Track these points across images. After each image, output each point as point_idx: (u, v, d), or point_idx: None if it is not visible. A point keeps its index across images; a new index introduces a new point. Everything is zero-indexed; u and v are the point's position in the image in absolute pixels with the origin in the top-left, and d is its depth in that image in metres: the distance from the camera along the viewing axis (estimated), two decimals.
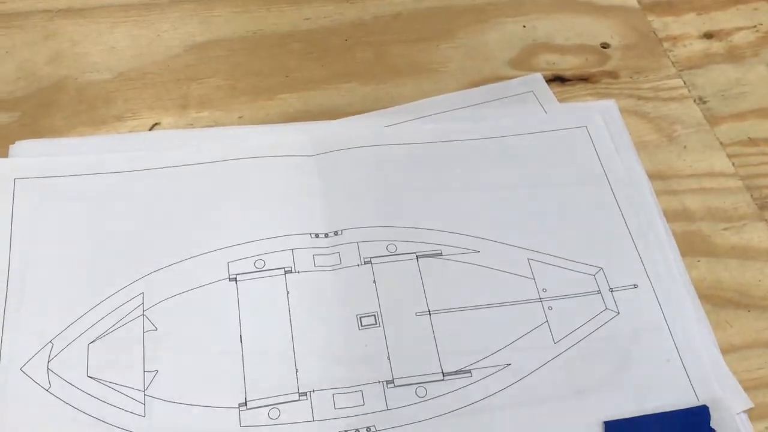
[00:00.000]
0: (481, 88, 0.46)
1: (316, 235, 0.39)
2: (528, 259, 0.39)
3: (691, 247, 0.40)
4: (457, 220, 0.40)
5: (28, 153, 0.42)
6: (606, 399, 0.35)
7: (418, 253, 0.39)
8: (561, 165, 0.43)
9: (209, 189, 0.41)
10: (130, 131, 0.44)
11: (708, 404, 0.35)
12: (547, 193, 0.41)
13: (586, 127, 0.44)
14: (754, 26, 0.50)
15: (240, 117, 0.45)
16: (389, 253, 0.39)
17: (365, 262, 0.39)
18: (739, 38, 0.50)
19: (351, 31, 0.49)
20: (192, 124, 0.45)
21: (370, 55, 0.48)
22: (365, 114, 0.45)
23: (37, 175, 0.41)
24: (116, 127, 0.44)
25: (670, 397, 0.35)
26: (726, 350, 0.37)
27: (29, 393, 0.34)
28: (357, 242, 0.39)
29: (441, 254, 0.39)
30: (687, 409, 0.34)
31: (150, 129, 0.44)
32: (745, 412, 0.35)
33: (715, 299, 0.39)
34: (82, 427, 0.34)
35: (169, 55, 0.48)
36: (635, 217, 0.40)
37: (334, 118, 0.45)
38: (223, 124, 0.45)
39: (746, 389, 0.36)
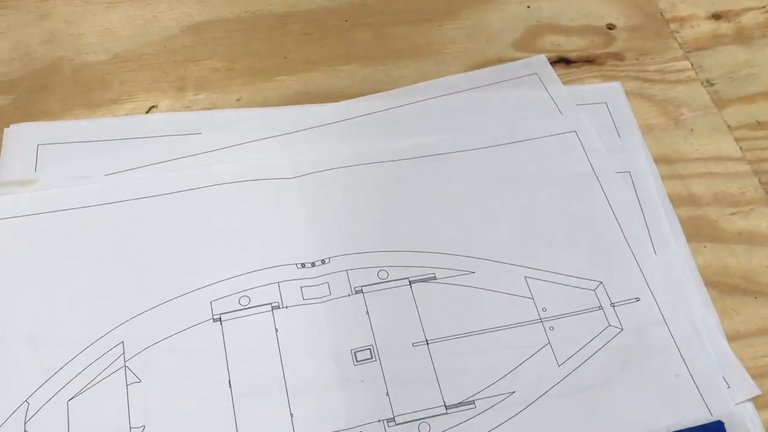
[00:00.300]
0: (484, 70, 0.45)
1: (303, 265, 0.37)
2: (525, 277, 0.37)
3: (697, 232, 0.40)
4: (449, 240, 0.38)
5: (23, 136, 0.42)
6: (617, 421, 0.34)
7: (411, 279, 0.37)
8: (552, 174, 0.41)
9: (185, 221, 0.39)
10: (127, 114, 0.43)
11: (722, 419, 0.34)
12: (540, 205, 0.40)
13: (575, 131, 0.42)
14: (763, 6, 0.49)
15: (238, 99, 0.44)
16: (381, 280, 0.37)
17: (356, 292, 0.37)
18: (747, 19, 0.49)
19: (351, 11, 0.48)
20: (189, 107, 0.44)
21: (371, 36, 0.47)
22: (365, 97, 0.44)
23: (4, 215, 0.38)
24: (112, 110, 0.44)
25: (682, 414, 0.34)
26: (732, 338, 0.36)
27: None
28: (346, 270, 0.37)
29: (435, 278, 0.37)
30: (701, 425, 0.33)
31: (147, 112, 0.44)
32: (750, 400, 0.34)
33: (722, 286, 0.38)
34: None
35: (166, 35, 0.47)
36: (633, 224, 0.39)
37: (334, 101, 0.44)
38: (221, 107, 0.44)
39: (753, 377, 0.35)
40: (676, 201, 0.40)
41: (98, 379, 0.34)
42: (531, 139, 0.42)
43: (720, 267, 0.39)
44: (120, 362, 0.35)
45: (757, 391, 0.35)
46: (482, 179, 0.41)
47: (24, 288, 0.37)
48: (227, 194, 0.40)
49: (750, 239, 0.39)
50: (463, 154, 0.42)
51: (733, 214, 0.40)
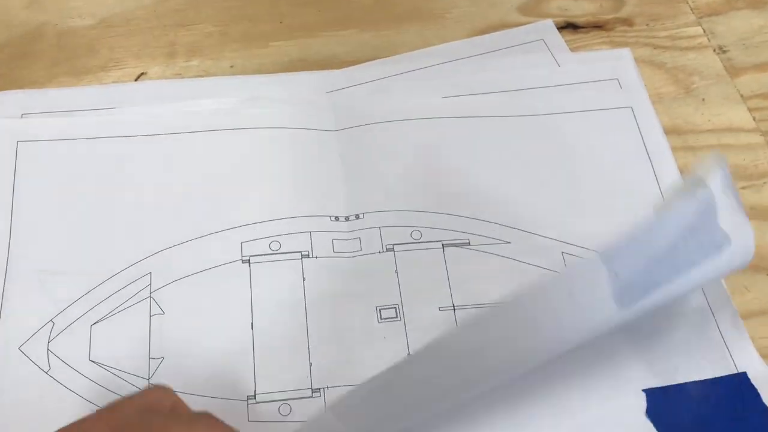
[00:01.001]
0: (488, 35, 0.44)
1: (336, 218, 0.37)
2: (562, 252, 0.36)
3: None
4: (487, 206, 0.37)
5: (6, 105, 0.40)
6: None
7: (444, 242, 0.36)
8: (601, 151, 0.39)
9: (223, 160, 0.38)
10: (114, 82, 0.42)
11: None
12: (585, 178, 0.38)
13: (631, 107, 0.41)
14: None
15: (231, 66, 0.42)
16: (413, 241, 0.36)
17: (387, 250, 0.36)
18: None
19: None
20: (180, 74, 0.42)
21: (370, 0, 0.45)
22: (366, 63, 0.42)
23: (41, 137, 0.38)
24: (100, 77, 0.42)
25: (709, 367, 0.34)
26: (743, 316, 0.35)
27: (28, 374, 0.33)
28: (379, 227, 0.37)
29: (469, 244, 0.36)
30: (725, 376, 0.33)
31: (136, 79, 0.42)
32: None
33: None
34: (82, 414, 0.31)
35: None
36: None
37: (332, 68, 0.42)
38: (214, 74, 0.42)
39: (763, 357, 0.34)
40: (687, 174, 0.39)
41: (123, 306, 0.34)
42: (584, 111, 0.40)
43: None
44: (146, 293, 0.35)
45: None
46: (526, 146, 0.39)
47: (56, 209, 0.37)
48: (268, 139, 0.39)
49: (763, 214, 0.38)
50: (508, 119, 0.40)
51: (745, 187, 0.39)
